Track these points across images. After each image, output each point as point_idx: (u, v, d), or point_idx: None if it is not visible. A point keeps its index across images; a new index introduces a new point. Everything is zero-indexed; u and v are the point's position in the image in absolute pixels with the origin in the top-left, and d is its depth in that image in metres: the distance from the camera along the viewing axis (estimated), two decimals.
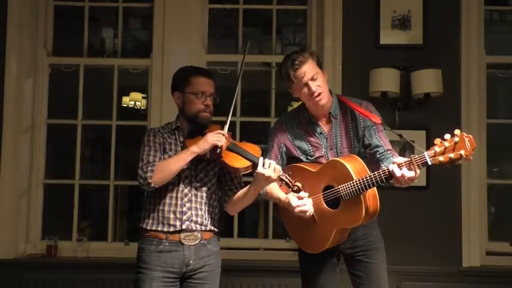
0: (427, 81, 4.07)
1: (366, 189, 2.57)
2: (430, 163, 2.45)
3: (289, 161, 2.88)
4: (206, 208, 2.75)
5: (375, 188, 2.60)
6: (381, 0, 4.29)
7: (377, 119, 2.75)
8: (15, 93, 4.36)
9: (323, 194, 2.70)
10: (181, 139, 2.79)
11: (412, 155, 2.51)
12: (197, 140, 2.72)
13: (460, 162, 2.43)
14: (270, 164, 2.60)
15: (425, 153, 2.46)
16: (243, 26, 4.60)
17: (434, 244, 4.10)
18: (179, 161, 2.66)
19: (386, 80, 4.07)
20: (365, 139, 2.78)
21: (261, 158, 2.64)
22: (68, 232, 4.45)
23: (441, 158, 2.42)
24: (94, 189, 5.28)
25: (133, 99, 6.84)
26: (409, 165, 2.48)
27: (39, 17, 4.50)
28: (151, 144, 2.74)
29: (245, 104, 4.86)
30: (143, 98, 6.65)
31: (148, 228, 2.73)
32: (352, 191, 2.59)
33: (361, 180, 2.57)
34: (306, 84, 2.72)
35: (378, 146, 2.75)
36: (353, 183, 2.58)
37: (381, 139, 2.77)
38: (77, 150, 4.53)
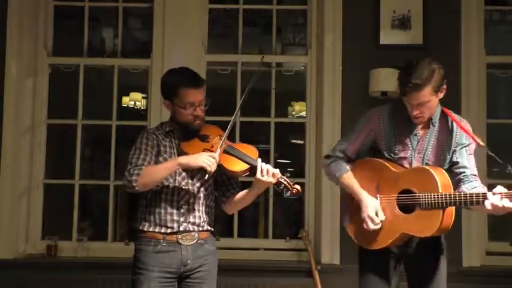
0: None
1: (450, 205, 2.54)
2: None
3: (370, 151, 2.83)
4: (203, 209, 2.75)
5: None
6: (381, 0, 4.29)
7: (480, 141, 2.71)
8: (15, 93, 4.36)
9: (398, 196, 2.66)
10: (177, 141, 2.77)
11: None
12: (193, 142, 2.71)
13: None
14: (267, 169, 2.58)
15: None
16: (243, 26, 4.60)
17: None
18: (165, 169, 2.64)
19: (386, 80, 4.07)
20: (454, 156, 2.71)
21: (259, 162, 2.60)
22: (68, 232, 4.45)
23: None
24: (94, 189, 5.28)
25: (133, 99, 6.84)
26: (511, 198, 2.43)
27: (39, 17, 4.50)
28: (142, 147, 2.72)
29: (245, 104, 4.86)
30: (143, 98, 6.65)
31: (145, 229, 2.72)
32: (435, 202, 2.54)
33: (447, 196, 2.53)
34: (412, 105, 2.64)
35: (465, 167, 2.69)
36: (437, 195, 2.54)
37: (470, 162, 2.71)
38: (77, 150, 4.53)
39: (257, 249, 4.46)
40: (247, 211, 5.33)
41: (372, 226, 2.65)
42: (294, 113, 6.45)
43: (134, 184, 2.61)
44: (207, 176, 2.59)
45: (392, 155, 2.74)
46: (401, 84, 2.63)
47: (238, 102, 4.37)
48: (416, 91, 2.58)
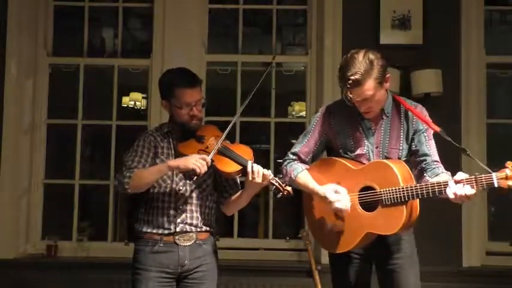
0: (427, 81, 4.07)
1: (413, 198, 2.45)
2: (496, 185, 2.28)
3: (329, 151, 2.77)
4: (201, 210, 2.75)
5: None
6: (381, 0, 4.29)
7: (435, 126, 2.57)
8: (15, 93, 4.36)
9: (359, 194, 2.56)
10: (175, 142, 2.78)
11: (476, 173, 2.35)
12: (189, 143, 2.71)
13: None
14: (258, 170, 2.57)
15: (494, 174, 2.29)
16: (243, 26, 4.60)
17: (434, 244, 4.10)
18: (155, 173, 2.65)
19: None
20: (413, 144, 2.62)
21: (250, 164, 2.59)
22: (68, 232, 4.46)
23: (510, 183, 2.26)
24: (94, 189, 5.28)
25: (133, 99, 6.83)
26: (472, 184, 2.33)
27: (39, 17, 4.50)
28: (138, 149, 2.74)
29: (245, 103, 4.86)
30: (143, 98, 6.64)
31: (143, 230, 2.73)
32: (397, 197, 2.45)
33: (409, 189, 2.44)
34: (358, 102, 2.52)
35: (425, 155, 2.59)
36: (399, 189, 2.45)
37: (430, 148, 2.61)
38: (77, 150, 4.53)
39: (257, 249, 4.46)
40: (247, 211, 5.33)
41: (344, 205, 2.52)
42: (294, 113, 6.45)
43: (126, 186, 2.63)
44: (195, 177, 2.58)
45: (349, 153, 2.66)
46: (341, 83, 2.50)
47: (239, 103, 4.43)
48: (357, 86, 2.46)
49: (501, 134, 4.63)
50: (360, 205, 2.57)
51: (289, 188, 2.59)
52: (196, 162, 2.55)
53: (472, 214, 4.16)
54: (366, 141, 2.65)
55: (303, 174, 2.69)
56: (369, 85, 2.47)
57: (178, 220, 2.70)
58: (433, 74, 4.08)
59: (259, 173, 2.57)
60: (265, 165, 2.64)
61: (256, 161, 2.65)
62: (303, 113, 5.38)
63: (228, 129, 2.73)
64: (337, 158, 2.68)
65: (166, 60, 4.32)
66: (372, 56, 2.49)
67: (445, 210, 4.15)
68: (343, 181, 2.59)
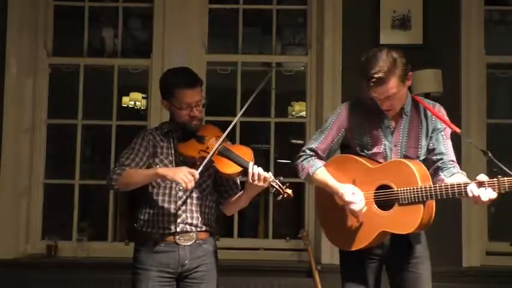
0: (427, 81, 4.07)
1: (432, 198, 2.45)
2: None
3: (342, 149, 2.76)
4: (201, 210, 2.74)
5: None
6: (381, 0, 4.29)
7: (455, 127, 2.58)
8: (15, 93, 4.36)
9: (375, 193, 2.56)
10: (175, 142, 2.77)
11: (499, 176, 2.33)
12: (189, 143, 2.71)
13: None
14: (258, 172, 2.56)
15: None
16: (243, 26, 4.60)
17: (434, 244, 4.08)
18: (144, 176, 2.66)
19: None
20: (430, 143, 2.63)
21: (251, 166, 2.58)
22: (68, 232, 4.46)
23: None
24: (94, 189, 5.28)
25: (133, 99, 6.84)
26: (494, 187, 2.32)
27: (39, 17, 4.50)
28: (136, 147, 2.74)
29: (245, 104, 4.86)
30: (143, 98, 6.65)
31: (144, 230, 2.73)
32: (414, 197, 2.45)
33: (428, 189, 2.44)
34: (380, 99, 2.53)
35: (442, 154, 2.60)
36: (417, 189, 2.45)
37: (447, 147, 2.62)
38: (77, 150, 4.53)
39: (257, 249, 4.46)
40: (247, 211, 5.33)
41: (359, 207, 2.52)
42: (294, 113, 6.46)
43: (113, 183, 2.65)
44: (181, 193, 2.62)
45: (365, 150, 2.65)
46: (365, 80, 2.50)
47: (239, 103, 4.43)
48: (381, 85, 2.47)
49: (501, 134, 4.62)
50: (376, 203, 2.57)
51: (289, 191, 2.58)
52: (184, 176, 2.52)
53: (472, 214, 4.16)
54: (384, 139, 2.65)
55: (321, 171, 2.68)
56: (393, 83, 2.48)
57: (179, 220, 2.70)
58: (433, 74, 4.08)
59: (259, 175, 2.56)
60: (265, 165, 2.64)
61: (256, 161, 2.65)
62: (303, 113, 5.38)
63: (228, 129, 2.73)
64: (353, 156, 2.68)
65: (166, 60, 4.32)
66: (395, 54, 2.51)
67: (445, 210, 4.13)
68: (359, 179, 2.59)
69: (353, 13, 4.31)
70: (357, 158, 2.66)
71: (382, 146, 2.64)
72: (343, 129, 2.70)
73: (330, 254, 4.15)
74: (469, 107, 4.24)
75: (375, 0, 4.30)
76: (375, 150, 2.64)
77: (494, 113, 4.60)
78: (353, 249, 2.61)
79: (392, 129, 2.64)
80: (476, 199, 2.37)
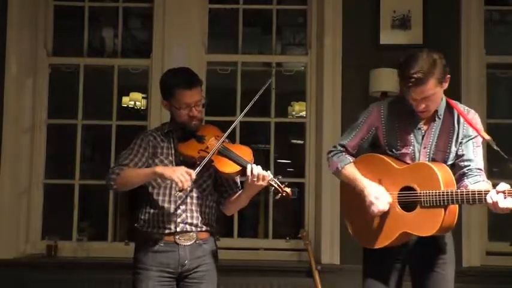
0: None
1: (453, 203, 2.45)
2: None
3: (372, 147, 2.77)
4: (201, 209, 2.74)
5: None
6: (381, 0, 4.29)
7: (485, 135, 2.58)
8: (15, 93, 4.36)
9: (399, 194, 2.58)
10: (175, 142, 2.77)
11: None
12: (189, 143, 2.71)
13: None
14: (258, 171, 2.56)
15: None
16: (243, 26, 4.60)
17: None
18: (143, 175, 2.66)
19: (386, 80, 4.07)
20: (460, 149, 2.62)
21: (249, 165, 2.59)
22: (68, 232, 4.46)
23: None
24: (94, 189, 5.28)
25: (133, 99, 6.83)
26: None
27: (39, 17, 4.50)
28: (135, 148, 2.74)
29: (245, 104, 4.86)
30: (143, 98, 6.65)
31: (144, 230, 2.73)
32: (436, 200, 2.46)
33: (449, 193, 2.44)
34: (416, 100, 2.53)
35: (470, 161, 2.59)
36: (439, 193, 2.45)
37: (477, 155, 2.61)
38: (77, 150, 4.53)
39: (257, 249, 4.47)
40: (247, 211, 5.33)
41: (382, 208, 2.53)
42: (294, 113, 6.45)
43: (112, 183, 2.66)
44: (178, 193, 2.61)
45: (394, 150, 2.65)
46: (403, 80, 2.52)
47: (239, 103, 4.43)
48: (420, 85, 2.48)
49: (501, 134, 4.62)
50: (399, 204, 2.58)
51: (288, 190, 2.58)
52: (181, 176, 2.52)
53: (472, 214, 4.16)
54: (413, 141, 2.64)
55: (349, 166, 2.69)
56: (431, 84, 2.50)
57: (179, 220, 2.70)
58: None
59: (258, 174, 2.57)
60: (265, 165, 2.64)
61: (256, 161, 2.65)
62: (303, 113, 5.38)
63: (229, 130, 2.73)
64: (381, 155, 2.69)
65: (166, 60, 4.32)
66: (435, 55, 2.53)
67: None
68: (385, 179, 2.60)
69: (353, 13, 4.31)
70: (385, 157, 2.67)
71: (411, 148, 2.64)
72: (373, 128, 2.71)
73: (329, 254, 4.16)
74: (469, 107, 4.22)
75: (374, 0, 4.30)
76: (403, 150, 2.65)
77: (494, 113, 4.60)
78: (375, 247, 2.64)
79: (423, 131, 2.65)
80: (495, 207, 2.38)
